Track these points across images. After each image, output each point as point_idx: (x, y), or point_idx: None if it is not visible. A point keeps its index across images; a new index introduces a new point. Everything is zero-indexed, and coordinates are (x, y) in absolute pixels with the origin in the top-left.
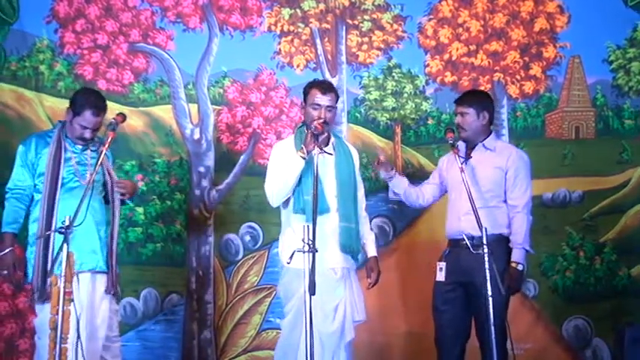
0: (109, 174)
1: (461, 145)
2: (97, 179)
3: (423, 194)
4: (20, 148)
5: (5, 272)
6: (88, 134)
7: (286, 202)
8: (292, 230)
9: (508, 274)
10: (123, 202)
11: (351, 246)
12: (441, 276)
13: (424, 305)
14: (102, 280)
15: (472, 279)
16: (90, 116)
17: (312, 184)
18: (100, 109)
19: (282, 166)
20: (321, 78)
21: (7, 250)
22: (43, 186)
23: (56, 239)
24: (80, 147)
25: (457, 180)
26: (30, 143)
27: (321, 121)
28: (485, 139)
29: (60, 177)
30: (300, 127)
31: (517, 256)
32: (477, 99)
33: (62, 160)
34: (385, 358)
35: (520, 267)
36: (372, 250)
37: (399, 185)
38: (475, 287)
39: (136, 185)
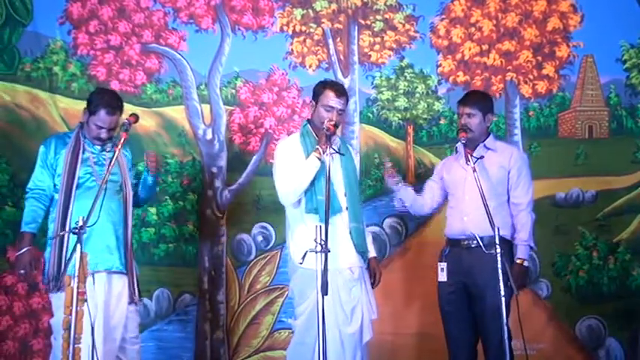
0: (124, 179)
1: (460, 146)
2: (114, 180)
3: (426, 200)
4: (41, 149)
5: (22, 271)
6: (103, 134)
7: (297, 202)
8: (307, 230)
9: (514, 272)
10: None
11: (362, 245)
12: (442, 276)
13: (436, 305)
14: (118, 281)
15: (474, 279)
16: (104, 115)
17: (324, 185)
18: (115, 108)
19: (294, 165)
20: (333, 78)
21: (25, 250)
22: (60, 185)
23: (70, 239)
24: (99, 147)
25: (459, 180)
26: (50, 144)
27: (333, 122)
28: (485, 139)
29: (76, 177)
30: (305, 125)
31: (522, 252)
32: (484, 101)
33: (79, 160)
34: (397, 359)
35: (526, 263)
36: (372, 251)
37: (406, 196)
38: (477, 287)
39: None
